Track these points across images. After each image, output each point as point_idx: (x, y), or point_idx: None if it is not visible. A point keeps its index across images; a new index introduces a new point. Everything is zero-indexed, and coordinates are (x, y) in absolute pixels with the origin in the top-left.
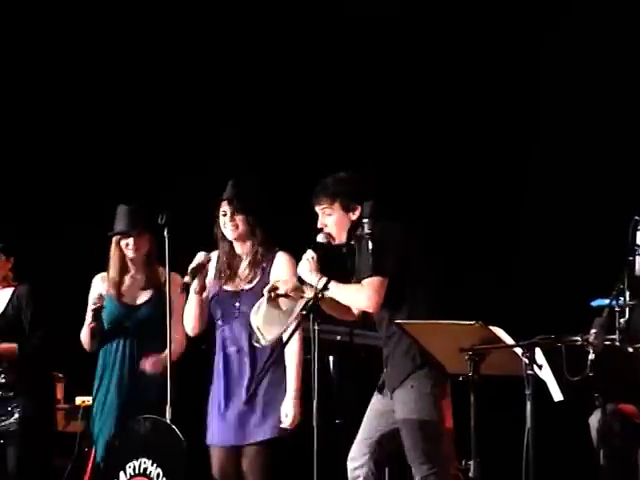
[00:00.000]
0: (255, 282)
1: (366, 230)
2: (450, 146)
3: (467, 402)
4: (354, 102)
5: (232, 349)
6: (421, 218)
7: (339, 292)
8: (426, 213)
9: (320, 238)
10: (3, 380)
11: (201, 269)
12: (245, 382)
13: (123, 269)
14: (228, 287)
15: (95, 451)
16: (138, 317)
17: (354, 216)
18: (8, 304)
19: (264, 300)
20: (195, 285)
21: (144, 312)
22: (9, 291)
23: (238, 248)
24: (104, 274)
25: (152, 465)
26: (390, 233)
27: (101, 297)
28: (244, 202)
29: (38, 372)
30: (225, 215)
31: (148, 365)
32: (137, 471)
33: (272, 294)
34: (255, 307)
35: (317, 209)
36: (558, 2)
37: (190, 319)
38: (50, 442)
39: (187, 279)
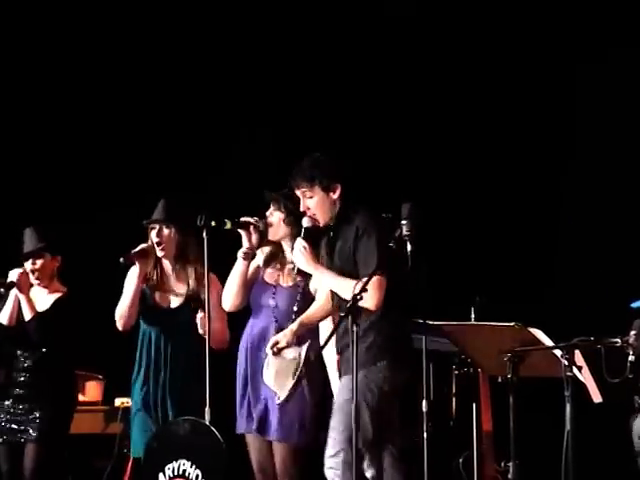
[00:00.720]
0: (294, 282)
1: (404, 232)
2: (491, 150)
3: (506, 404)
4: (397, 115)
5: (258, 343)
6: (463, 222)
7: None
8: (467, 217)
9: (305, 223)
10: (22, 378)
11: (247, 228)
12: None
13: (157, 267)
14: (267, 279)
15: (132, 449)
16: (171, 317)
17: (335, 195)
18: (51, 308)
19: (270, 358)
20: (244, 245)
21: (176, 312)
22: (55, 295)
23: (285, 245)
24: None
25: (191, 467)
26: None
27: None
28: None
29: (61, 374)
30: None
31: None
32: (176, 472)
33: (275, 349)
34: (264, 367)
35: (297, 193)
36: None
37: (230, 289)
38: (66, 444)
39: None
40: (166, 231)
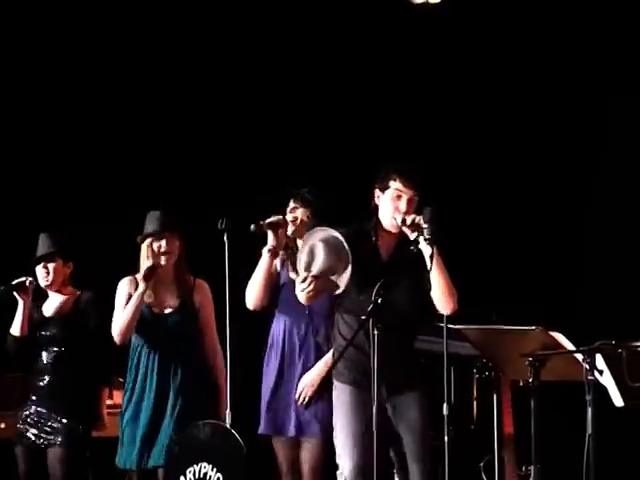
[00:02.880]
0: None
1: (426, 235)
2: (519, 149)
3: (528, 408)
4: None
5: (290, 341)
6: (485, 225)
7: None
8: (489, 220)
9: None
10: (42, 383)
11: (275, 227)
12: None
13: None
14: (294, 276)
15: (122, 456)
16: (166, 325)
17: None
18: (70, 311)
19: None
20: (270, 243)
21: (171, 321)
22: (70, 298)
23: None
24: (132, 277)
25: (212, 470)
26: None
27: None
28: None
29: (83, 376)
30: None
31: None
32: (197, 476)
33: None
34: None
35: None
36: None
37: (254, 286)
38: (88, 448)
39: (252, 228)
40: (167, 241)
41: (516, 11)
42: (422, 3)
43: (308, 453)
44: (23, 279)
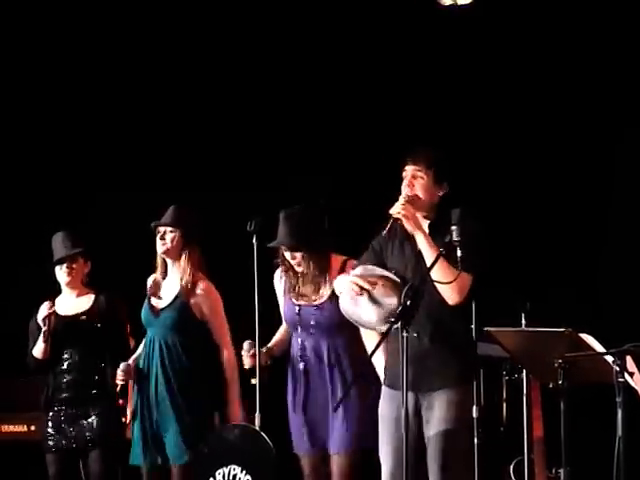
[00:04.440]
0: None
1: (454, 237)
2: (536, 155)
3: (557, 410)
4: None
5: (312, 359)
6: (512, 227)
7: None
8: (516, 222)
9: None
10: (66, 383)
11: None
12: (328, 392)
13: (160, 270)
14: (302, 301)
15: (133, 453)
16: (160, 320)
17: (440, 192)
18: (90, 310)
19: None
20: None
21: (164, 316)
22: (88, 297)
23: (297, 267)
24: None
25: (242, 472)
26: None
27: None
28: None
29: (113, 377)
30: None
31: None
32: (227, 478)
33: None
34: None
35: (408, 169)
36: None
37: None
38: (122, 447)
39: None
40: (170, 235)
41: (544, 10)
42: (450, 5)
43: (337, 468)
44: (47, 311)
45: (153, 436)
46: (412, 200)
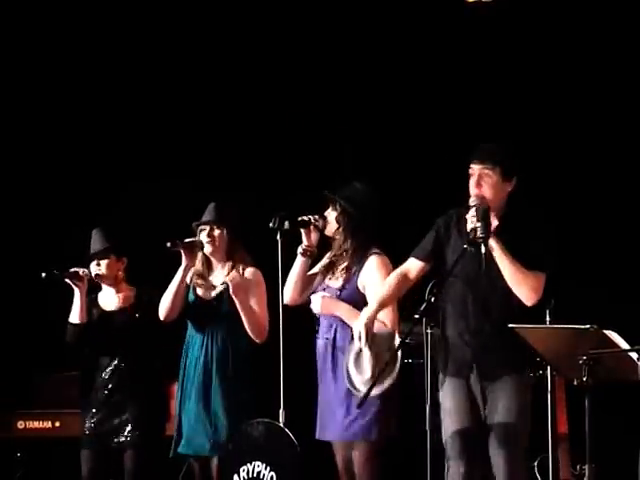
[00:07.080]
0: (347, 283)
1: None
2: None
3: (582, 407)
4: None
5: (324, 349)
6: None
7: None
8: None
9: (472, 201)
10: (107, 380)
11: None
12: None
13: (205, 262)
14: (331, 283)
15: (177, 441)
16: (211, 311)
17: (509, 187)
18: (132, 306)
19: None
20: (304, 243)
21: (215, 306)
22: (128, 294)
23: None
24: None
25: (266, 469)
26: None
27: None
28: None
29: (149, 374)
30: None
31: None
32: (251, 474)
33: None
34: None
35: (475, 167)
36: None
37: (288, 283)
38: (160, 446)
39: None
40: (217, 232)
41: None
42: (475, 1)
43: (361, 457)
44: (77, 269)
45: (197, 426)
46: (482, 199)
